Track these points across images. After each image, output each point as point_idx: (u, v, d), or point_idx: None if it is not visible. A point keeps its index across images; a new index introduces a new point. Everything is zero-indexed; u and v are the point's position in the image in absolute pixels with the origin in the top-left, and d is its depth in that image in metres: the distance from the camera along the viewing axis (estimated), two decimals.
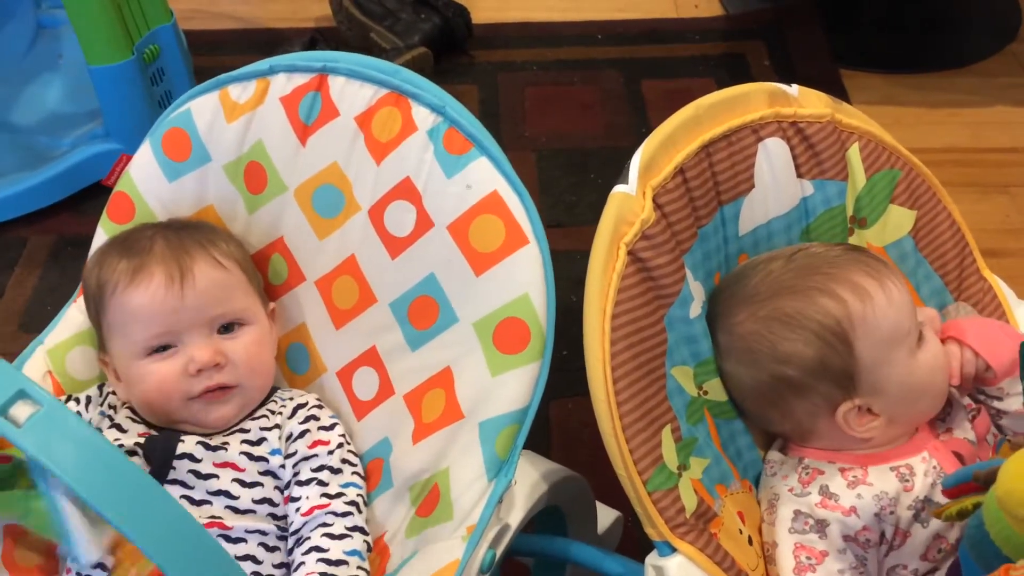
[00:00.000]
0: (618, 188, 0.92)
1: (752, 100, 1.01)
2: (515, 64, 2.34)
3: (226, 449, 0.99)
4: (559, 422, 1.56)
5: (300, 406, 1.04)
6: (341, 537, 0.95)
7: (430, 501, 0.96)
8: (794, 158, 1.04)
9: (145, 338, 1.00)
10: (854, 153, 1.07)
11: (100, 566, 0.93)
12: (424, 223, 0.99)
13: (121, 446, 0.98)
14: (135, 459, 0.97)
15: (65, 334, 1.10)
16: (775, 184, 1.03)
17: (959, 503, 0.83)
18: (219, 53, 2.29)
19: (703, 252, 0.99)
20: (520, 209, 0.95)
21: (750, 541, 0.96)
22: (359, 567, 0.94)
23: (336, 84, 1.04)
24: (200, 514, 0.96)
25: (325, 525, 0.96)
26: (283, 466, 1.00)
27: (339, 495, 0.98)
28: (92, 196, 1.95)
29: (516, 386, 0.93)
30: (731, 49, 2.37)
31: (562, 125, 2.17)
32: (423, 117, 1.00)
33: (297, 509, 0.97)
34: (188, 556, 0.60)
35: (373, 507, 1.01)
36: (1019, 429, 1.01)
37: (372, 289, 1.04)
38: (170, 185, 1.10)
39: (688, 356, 0.96)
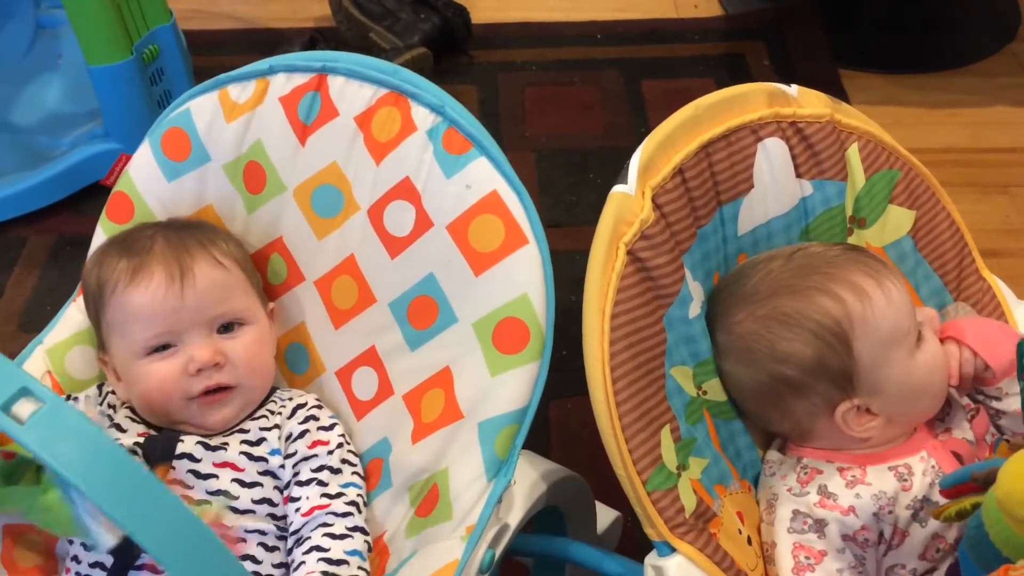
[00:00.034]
0: (617, 188, 0.92)
1: (751, 100, 1.01)
2: (515, 64, 2.34)
3: (225, 449, 0.99)
4: (558, 422, 1.56)
5: (300, 406, 1.04)
6: (342, 537, 0.95)
7: (429, 501, 0.96)
8: (793, 158, 1.04)
9: (145, 337, 1.00)
10: (853, 153, 1.07)
11: (116, 551, 0.93)
12: (423, 223, 0.99)
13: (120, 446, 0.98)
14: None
15: (64, 334, 1.10)
16: (774, 184, 1.03)
17: (958, 504, 0.83)
18: (219, 53, 2.29)
19: (702, 252, 0.99)
20: (519, 209, 0.95)
21: (749, 541, 0.96)
22: (360, 567, 0.94)
23: (335, 84, 1.04)
24: (200, 514, 0.96)
25: (326, 525, 0.95)
26: (283, 466, 1.00)
27: (339, 495, 0.98)
28: (92, 196, 1.95)
29: (515, 386, 0.93)
30: (731, 49, 2.37)
31: (562, 125, 2.17)
32: (422, 117, 1.00)
33: (297, 509, 0.97)
34: (190, 552, 0.60)
35: (372, 507, 1.01)
36: (1017, 429, 1.01)
37: (371, 289, 1.04)
38: (169, 185, 1.10)
39: (687, 356, 0.96)
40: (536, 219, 0.95)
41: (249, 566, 0.96)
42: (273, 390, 1.07)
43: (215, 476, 0.98)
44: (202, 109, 1.08)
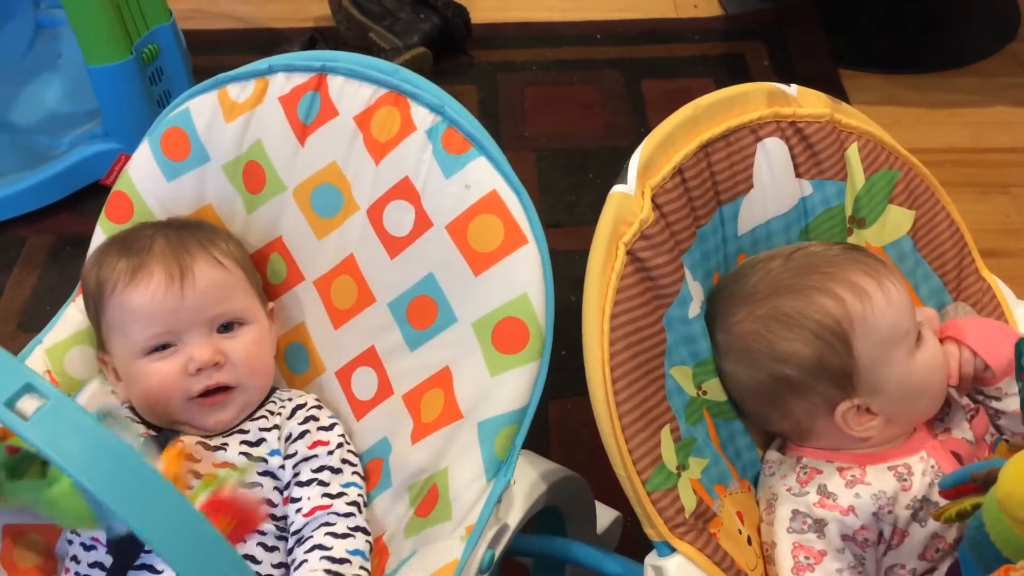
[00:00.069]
0: (617, 188, 0.91)
1: (751, 100, 1.01)
2: (515, 64, 2.34)
3: (225, 450, 0.99)
4: (558, 422, 1.56)
5: (299, 407, 1.04)
6: (344, 536, 0.95)
7: (429, 501, 0.96)
8: (793, 158, 1.03)
9: (145, 337, 1.00)
10: (853, 153, 1.07)
11: (116, 551, 0.93)
12: (423, 223, 0.99)
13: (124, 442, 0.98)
14: None
15: (64, 334, 1.10)
16: (774, 184, 1.03)
17: (958, 504, 0.83)
18: (218, 53, 2.29)
19: (702, 252, 0.99)
20: (519, 209, 0.95)
21: (749, 541, 0.95)
22: (361, 567, 0.94)
23: (335, 84, 1.04)
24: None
25: (328, 524, 0.96)
26: (282, 467, 1.00)
27: (340, 495, 0.98)
28: (91, 196, 1.95)
29: (515, 386, 0.93)
30: (731, 49, 2.37)
31: (562, 125, 2.17)
32: (422, 117, 1.00)
33: (298, 510, 0.97)
34: (193, 548, 0.60)
35: (372, 507, 1.01)
36: (1017, 429, 1.01)
37: (371, 289, 1.04)
38: (169, 184, 1.10)
39: (687, 356, 0.96)
40: (535, 219, 0.95)
41: (248, 566, 0.95)
42: (272, 390, 1.07)
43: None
44: (201, 109, 1.08)
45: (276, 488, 1.00)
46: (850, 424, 0.96)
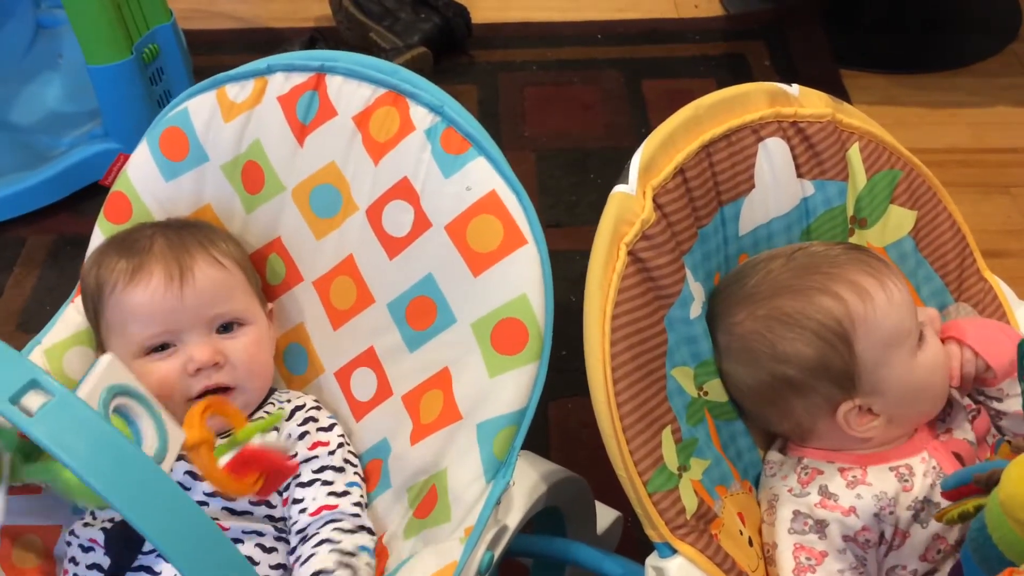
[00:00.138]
0: (618, 188, 0.91)
1: (752, 100, 1.01)
2: (515, 64, 2.34)
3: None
4: (558, 422, 1.56)
5: (298, 408, 1.04)
6: (352, 532, 0.95)
7: (428, 502, 0.96)
8: (794, 158, 1.03)
9: (144, 337, 1.00)
10: (854, 153, 1.07)
11: (114, 552, 0.93)
12: (422, 223, 0.99)
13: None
14: None
15: (63, 334, 1.09)
16: (775, 184, 1.03)
17: (960, 505, 0.83)
18: (218, 53, 2.29)
19: (703, 252, 0.99)
20: (518, 209, 0.95)
21: (750, 542, 0.95)
22: (367, 563, 0.94)
23: (334, 83, 1.04)
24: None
25: (335, 521, 0.96)
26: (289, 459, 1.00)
27: (345, 494, 0.98)
28: (91, 196, 1.95)
29: (514, 387, 0.93)
30: (731, 49, 2.37)
31: (562, 125, 2.17)
32: (421, 117, 1.00)
33: (303, 509, 0.97)
34: (195, 547, 0.60)
35: (372, 508, 1.01)
36: (1018, 430, 1.01)
37: (370, 289, 1.04)
38: (167, 184, 1.10)
39: (688, 357, 0.96)
40: (535, 219, 0.95)
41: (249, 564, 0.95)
42: (271, 391, 1.07)
43: None
44: (200, 109, 1.08)
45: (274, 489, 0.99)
46: (851, 424, 0.95)
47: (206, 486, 0.97)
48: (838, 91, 2.08)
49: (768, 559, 0.96)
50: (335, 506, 0.96)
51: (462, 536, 0.91)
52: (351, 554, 0.93)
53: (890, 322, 0.94)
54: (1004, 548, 0.75)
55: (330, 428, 1.03)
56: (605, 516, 1.26)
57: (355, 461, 1.02)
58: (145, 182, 1.11)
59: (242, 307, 1.03)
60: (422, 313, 1.00)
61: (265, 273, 1.11)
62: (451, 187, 0.97)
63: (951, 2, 2.50)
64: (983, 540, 0.76)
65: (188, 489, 0.96)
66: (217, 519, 0.96)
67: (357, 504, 0.98)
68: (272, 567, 0.96)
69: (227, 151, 1.08)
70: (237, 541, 0.95)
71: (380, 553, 0.98)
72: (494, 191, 0.96)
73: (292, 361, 1.11)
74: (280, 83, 1.06)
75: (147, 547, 0.93)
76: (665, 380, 0.92)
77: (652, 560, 0.89)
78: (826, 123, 1.05)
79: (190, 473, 0.97)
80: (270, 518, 0.98)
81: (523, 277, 0.94)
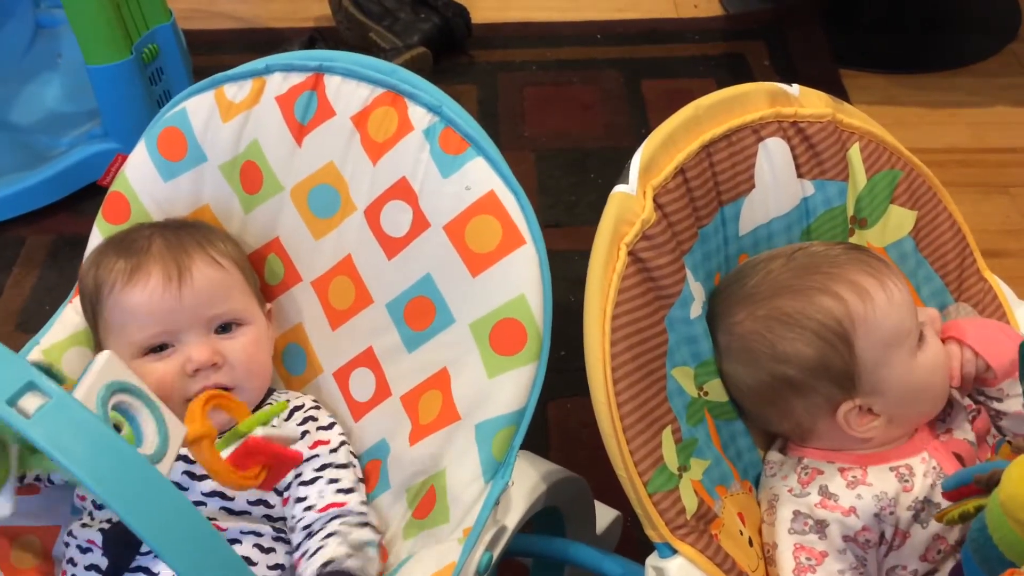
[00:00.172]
0: (618, 188, 0.91)
1: (752, 100, 1.01)
2: (514, 64, 2.34)
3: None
4: (558, 422, 1.56)
5: (297, 408, 1.04)
6: (360, 527, 0.95)
7: (427, 503, 0.96)
8: (795, 158, 1.03)
9: (142, 338, 0.99)
10: (855, 153, 1.07)
11: (112, 554, 0.93)
12: (420, 223, 0.99)
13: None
14: None
15: (61, 335, 1.09)
16: (775, 184, 1.02)
17: (960, 506, 0.83)
18: (218, 52, 2.29)
19: (703, 252, 0.99)
20: (517, 209, 0.95)
21: (750, 542, 0.95)
22: (373, 557, 0.94)
23: (332, 83, 1.03)
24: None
25: (342, 517, 0.96)
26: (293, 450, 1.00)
27: (352, 491, 0.98)
28: (90, 196, 1.95)
29: (513, 388, 0.93)
30: (731, 49, 2.37)
31: (562, 125, 2.17)
32: (419, 117, 0.99)
33: (309, 507, 0.97)
34: (193, 549, 0.60)
35: (372, 508, 1.01)
36: (1019, 430, 1.01)
37: (368, 290, 1.04)
38: (166, 185, 1.10)
39: (689, 357, 0.96)
40: (533, 219, 0.95)
41: (247, 566, 0.95)
42: (270, 392, 1.06)
43: (210, 477, 0.97)
44: (198, 109, 1.08)
45: (274, 489, 0.99)
46: (852, 425, 0.95)
47: (204, 486, 0.97)
48: (837, 91, 2.09)
49: (768, 559, 0.96)
50: (344, 503, 0.96)
51: (460, 537, 0.91)
52: (360, 547, 0.93)
53: (890, 322, 0.94)
54: (1004, 548, 0.74)
55: (330, 427, 1.03)
56: (604, 516, 1.26)
57: (355, 462, 1.02)
58: (143, 182, 1.11)
59: (240, 307, 1.03)
60: (421, 313, 1.00)
61: (264, 273, 1.11)
62: (449, 187, 0.97)
63: (950, 2, 2.50)
64: (984, 541, 0.76)
65: (186, 489, 0.96)
66: (215, 519, 0.96)
67: (364, 503, 0.98)
68: (270, 567, 0.96)
69: (225, 151, 1.08)
70: (235, 541, 0.95)
71: (380, 553, 0.98)
72: (492, 191, 0.95)
73: (291, 361, 1.11)
74: (278, 83, 1.06)
75: (145, 548, 0.93)
76: (665, 380, 0.92)
77: (652, 560, 0.89)
78: (826, 123, 1.05)
79: (188, 473, 0.97)
80: (268, 518, 0.98)
81: (522, 277, 0.94)
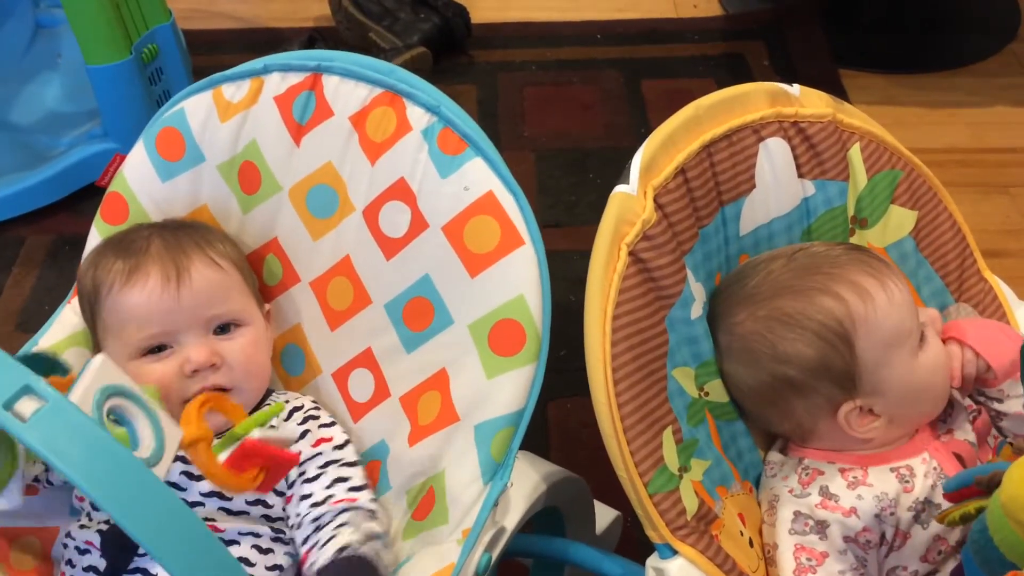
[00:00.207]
0: (619, 188, 0.91)
1: (752, 100, 1.01)
2: (514, 64, 2.34)
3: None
4: (557, 422, 1.56)
5: (296, 408, 1.03)
6: (370, 519, 0.95)
7: (426, 504, 0.95)
8: (795, 158, 1.03)
9: (141, 338, 0.99)
10: (855, 153, 1.07)
11: (110, 555, 0.93)
12: (419, 224, 0.99)
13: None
14: None
15: (59, 335, 1.09)
16: (776, 184, 1.02)
17: (962, 507, 0.83)
18: (218, 52, 2.28)
19: (704, 253, 0.99)
20: (515, 210, 0.95)
21: (751, 543, 0.95)
22: (383, 550, 0.94)
23: (330, 83, 1.03)
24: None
25: (351, 510, 0.95)
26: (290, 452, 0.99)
27: (363, 487, 0.98)
28: (90, 196, 1.95)
29: (511, 389, 0.93)
30: (731, 49, 2.37)
31: (562, 125, 2.17)
32: (418, 117, 0.99)
33: (315, 503, 0.96)
34: (189, 552, 0.60)
35: (380, 505, 1.01)
36: (1019, 431, 1.01)
37: (367, 290, 1.04)
38: (164, 185, 1.10)
39: (689, 357, 0.96)
40: (532, 220, 0.95)
41: (244, 569, 0.95)
42: (268, 392, 1.06)
43: None
44: (196, 109, 1.08)
45: (274, 489, 0.99)
46: (852, 425, 0.95)
47: (203, 486, 0.96)
48: (837, 91, 2.08)
49: (769, 560, 0.95)
50: (355, 499, 0.96)
51: (459, 538, 0.91)
52: (371, 537, 0.93)
53: (891, 322, 0.94)
54: (1005, 550, 0.74)
55: (331, 425, 1.03)
56: (604, 515, 1.26)
57: (359, 460, 1.02)
58: (141, 183, 1.10)
59: (239, 308, 1.03)
60: (419, 314, 1.00)
61: (262, 274, 1.10)
62: (448, 188, 0.97)
63: (950, 2, 2.50)
64: (984, 542, 0.76)
65: (184, 490, 0.96)
66: (214, 519, 0.95)
67: (374, 500, 0.98)
68: (268, 568, 0.96)
69: (223, 151, 1.08)
70: (233, 542, 0.95)
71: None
72: (491, 192, 0.95)
73: (289, 362, 1.11)
74: (276, 83, 1.05)
75: (143, 549, 0.93)
76: (666, 381, 0.92)
77: (653, 561, 0.89)
78: (827, 123, 1.05)
79: (186, 473, 0.97)
80: (267, 518, 0.98)
81: (520, 278, 0.94)
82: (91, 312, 1.03)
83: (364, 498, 0.97)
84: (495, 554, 0.92)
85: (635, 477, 0.87)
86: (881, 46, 2.37)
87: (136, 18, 1.88)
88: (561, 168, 2.05)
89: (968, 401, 1.03)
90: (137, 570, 0.93)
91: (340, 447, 1.00)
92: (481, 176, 0.96)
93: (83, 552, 0.96)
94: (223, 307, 1.01)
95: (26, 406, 0.60)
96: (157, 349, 0.99)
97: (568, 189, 1.99)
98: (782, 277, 0.97)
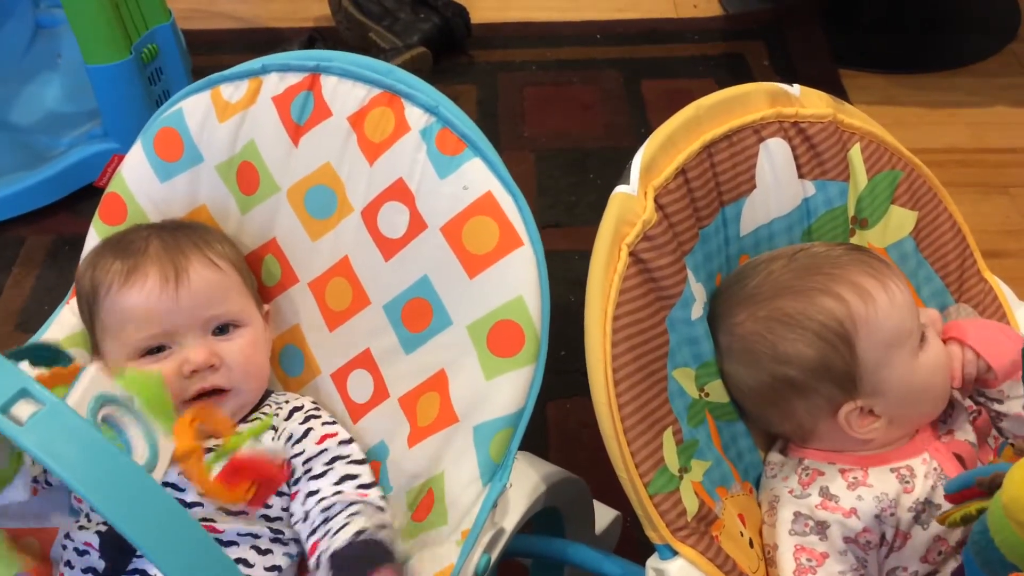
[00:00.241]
0: (619, 189, 0.91)
1: (753, 100, 1.01)
2: (514, 64, 2.34)
3: None
4: (557, 423, 1.56)
5: (296, 408, 1.03)
6: (380, 511, 0.95)
7: (425, 505, 0.95)
8: (796, 158, 1.03)
9: (139, 339, 0.99)
10: (855, 153, 1.07)
11: (108, 557, 0.92)
12: (417, 224, 0.99)
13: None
14: None
15: (58, 336, 1.09)
16: (776, 184, 1.02)
17: (963, 508, 0.83)
18: (218, 52, 2.29)
19: (704, 253, 0.99)
20: (514, 210, 0.95)
21: (751, 543, 0.95)
22: (392, 544, 0.93)
23: (329, 84, 1.03)
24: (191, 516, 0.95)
25: (360, 503, 0.95)
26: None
27: (373, 485, 0.98)
28: (90, 196, 1.95)
29: (510, 390, 0.93)
30: (731, 49, 2.37)
31: (562, 125, 2.17)
32: (416, 117, 0.99)
33: (322, 499, 0.96)
34: (186, 554, 0.61)
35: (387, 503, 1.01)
36: (1019, 432, 1.00)
37: (365, 291, 1.03)
38: (162, 185, 1.10)
39: (690, 358, 0.96)
40: (531, 221, 0.95)
41: (241, 570, 0.95)
42: (268, 393, 1.06)
43: None
44: (194, 109, 1.08)
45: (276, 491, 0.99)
46: (853, 426, 0.95)
47: None
48: (837, 91, 2.08)
49: (769, 560, 0.95)
50: (365, 495, 0.96)
51: (459, 539, 0.91)
52: (381, 527, 0.92)
53: (892, 323, 0.93)
54: (1006, 551, 0.74)
55: (333, 423, 1.03)
56: (604, 516, 1.26)
57: (366, 458, 1.02)
58: (140, 183, 1.10)
59: (238, 308, 1.03)
60: (418, 315, 1.00)
61: (261, 274, 1.10)
62: (446, 188, 0.97)
63: (950, 2, 2.50)
64: (985, 543, 0.76)
65: (183, 490, 0.96)
66: (212, 519, 0.95)
67: (383, 497, 0.98)
68: (267, 569, 0.96)
69: (222, 152, 1.08)
70: (232, 543, 0.95)
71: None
72: (490, 192, 0.95)
73: (288, 363, 1.10)
74: (275, 83, 1.05)
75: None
76: (666, 381, 0.92)
77: (653, 562, 0.89)
78: (827, 123, 1.05)
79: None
80: (266, 518, 0.98)
81: (519, 279, 0.94)
82: (89, 313, 1.03)
83: (374, 495, 0.97)
84: (494, 555, 0.92)
85: (635, 478, 0.87)
86: (881, 46, 2.37)
87: (136, 18, 1.88)
88: (561, 168, 2.05)
89: (968, 402, 1.03)
90: (136, 571, 0.93)
91: (345, 442, 1.00)
92: (480, 176, 0.96)
93: (82, 553, 0.96)
94: (222, 308, 1.01)
95: (23, 409, 0.60)
96: (156, 350, 0.99)
97: (568, 189, 1.99)
98: (783, 277, 0.97)
